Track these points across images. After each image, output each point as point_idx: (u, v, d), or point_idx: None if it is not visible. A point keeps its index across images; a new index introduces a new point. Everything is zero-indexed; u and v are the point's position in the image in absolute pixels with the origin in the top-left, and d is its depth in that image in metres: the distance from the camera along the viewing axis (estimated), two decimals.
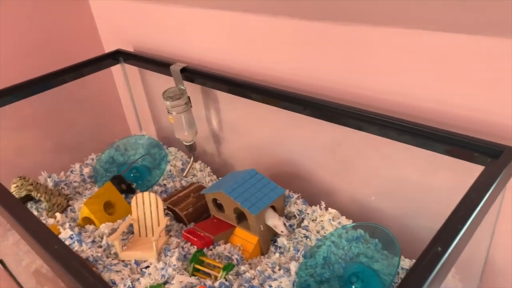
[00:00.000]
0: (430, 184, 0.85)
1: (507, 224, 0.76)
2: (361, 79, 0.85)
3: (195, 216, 1.07)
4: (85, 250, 0.93)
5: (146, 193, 1.00)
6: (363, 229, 0.87)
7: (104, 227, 0.99)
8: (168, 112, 1.11)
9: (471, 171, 0.78)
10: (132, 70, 1.36)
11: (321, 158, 1.01)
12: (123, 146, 1.28)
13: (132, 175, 1.23)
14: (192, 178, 1.19)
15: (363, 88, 0.85)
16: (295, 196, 0.98)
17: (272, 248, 0.93)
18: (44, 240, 0.60)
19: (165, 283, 0.84)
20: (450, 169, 0.81)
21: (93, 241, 0.97)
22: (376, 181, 0.94)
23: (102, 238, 0.98)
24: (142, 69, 1.31)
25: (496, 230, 0.76)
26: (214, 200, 1.00)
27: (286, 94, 0.93)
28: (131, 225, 1.00)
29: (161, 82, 1.26)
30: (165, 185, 1.18)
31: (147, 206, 1.00)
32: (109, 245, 0.95)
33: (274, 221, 0.91)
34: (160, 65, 1.16)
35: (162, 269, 0.86)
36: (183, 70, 1.09)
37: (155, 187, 1.17)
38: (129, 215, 1.05)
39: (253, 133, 1.13)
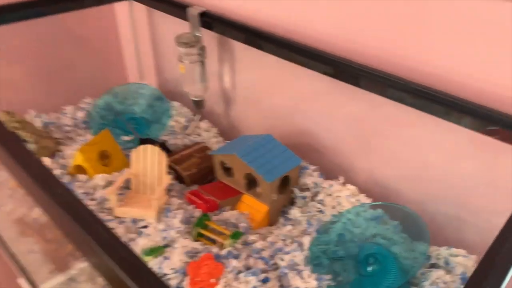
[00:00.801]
0: (452, 170, 0.80)
1: None
2: (405, 45, 0.77)
3: (198, 178, 0.99)
4: None
5: (149, 147, 0.91)
6: (383, 209, 0.81)
7: (99, 179, 0.90)
8: (180, 60, 1.01)
9: (496, 159, 0.73)
10: (139, 9, 1.24)
11: (340, 132, 0.93)
12: (122, 94, 1.17)
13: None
14: (196, 137, 1.11)
15: (405, 57, 0.77)
16: (312, 168, 0.91)
17: (281, 220, 0.87)
18: (47, 183, 0.51)
19: (166, 246, 0.77)
20: (474, 157, 0.76)
21: (85, 193, 0.88)
22: (397, 162, 0.88)
23: (95, 190, 0.89)
24: (152, 9, 1.19)
25: None
26: (222, 163, 0.92)
27: (309, 50, 0.85)
28: (128, 180, 0.91)
29: (171, 26, 1.15)
30: (166, 141, 1.09)
31: (149, 160, 0.91)
32: (103, 199, 0.87)
33: None
34: (174, 6, 1.04)
35: (164, 230, 0.78)
36: (202, 15, 0.98)
37: None
38: (125, 168, 0.96)
39: (269, 97, 1.05)
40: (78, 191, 0.87)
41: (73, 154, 0.98)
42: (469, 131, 0.70)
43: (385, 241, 0.78)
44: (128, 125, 1.11)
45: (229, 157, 0.89)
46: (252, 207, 0.88)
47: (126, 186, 0.92)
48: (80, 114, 1.13)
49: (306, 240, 0.77)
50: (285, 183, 0.88)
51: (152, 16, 1.24)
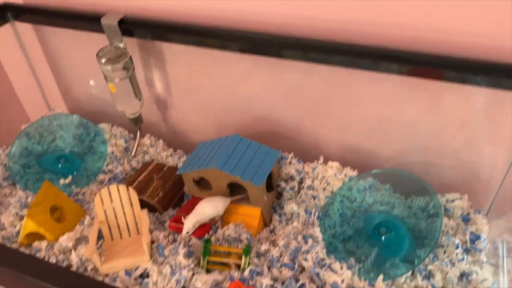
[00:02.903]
0: (404, 118, 0.84)
1: None
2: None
3: (168, 200, 0.90)
4: None
5: (112, 187, 0.79)
6: (372, 177, 0.83)
7: (65, 240, 0.77)
8: (107, 80, 0.87)
9: (441, 100, 0.79)
10: (22, 33, 1.04)
11: (291, 108, 0.92)
12: (36, 132, 0.99)
13: (60, 165, 0.97)
14: (143, 157, 0.99)
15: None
16: (289, 155, 0.88)
17: (276, 217, 0.84)
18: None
19: None
20: (415, 100, 0.81)
21: (56, 261, 0.74)
22: (355, 125, 0.90)
23: (65, 254, 0.76)
24: (42, 26, 1.00)
25: None
26: (194, 179, 0.85)
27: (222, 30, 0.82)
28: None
29: (66, 40, 0.99)
30: (111, 171, 0.96)
31: (116, 202, 0.80)
32: (82, 261, 0.74)
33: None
34: (75, 19, 0.89)
35: (173, 273, 0.70)
36: (121, 22, 0.86)
37: (100, 176, 0.95)
38: (85, 217, 0.83)
39: (207, 93, 0.97)
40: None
41: (13, 222, 0.82)
42: (399, 77, 0.75)
43: (384, 206, 0.81)
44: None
45: (205, 172, 0.82)
46: (244, 214, 0.83)
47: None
48: None
49: (317, 231, 0.76)
50: (269, 180, 0.85)
51: (42, 34, 1.05)
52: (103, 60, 0.84)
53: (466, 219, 0.77)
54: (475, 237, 0.73)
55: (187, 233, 0.76)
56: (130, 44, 0.92)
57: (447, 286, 0.67)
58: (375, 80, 0.80)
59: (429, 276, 0.69)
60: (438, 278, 0.68)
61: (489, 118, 0.78)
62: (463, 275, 0.69)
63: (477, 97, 0.76)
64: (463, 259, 0.70)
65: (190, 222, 0.76)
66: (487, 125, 0.79)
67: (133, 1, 0.88)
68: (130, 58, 0.88)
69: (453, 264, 0.70)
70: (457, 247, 0.71)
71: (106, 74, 0.87)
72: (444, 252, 0.72)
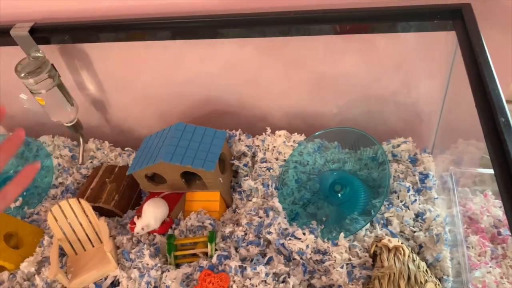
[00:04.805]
0: (343, 71, 0.84)
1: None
2: None
3: (125, 202, 0.89)
4: None
5: (62, 202, 0.77)
6: (319, 138, 0.84)
7: (26, 266, 0.75)
8: (33, 93, 0.83)
9: (373, 47, 0.80)
10: None
11: (228, 83, 0.91)
12: None
13: None
14: (91, 162, 0.97)
15: None
16: (237, 133, 0.88)
17: (236, 195, 0.84)
18: None
19: None
20: (354, 52, 0.81)
21: None
22: (295, 88, 0.90)
23: (28, 280, 0.74)
24: None
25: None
26: (146, 175, 0.84)
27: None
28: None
29: None
30: (62, 183, 0.93)
31: (71, 216, 0.78)
32: (49, 284, 0.73)
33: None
34: None
35: (142, 276, 0.70)
36: (33, 31, 0.81)
37: (52, 191, 0.92)
38: (43, 237, 0.81)
39: (141, 83, 0.95)
40: None
41: None
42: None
43: (336, 164, 0.82)
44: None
45: (155, 167, 0.80)
46: (203, 200, 0.83)
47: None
48: None
49: (276, 202, 0.77)
50: (222, 161, 0.84)
51: None
52: (23, 74, 0.80)
53: (413, 161, 0.79)
54: (424, 176, 0.77)
55: (137, 233, 0.76)
56: (50, 51, 0.87)
57: (404, 230, 0.71)
58: (309, 39, 0.79)
59: (386, 224, 0.72)
60: (395, 224, 0.71)
61: (420, 56, 0.80)
62: (418, 216, 0.72)
63: (406, 38, 0.77)
64: (415, 200, 0.73)
65: (138, 227, 0.76)
66: (419, 64, 0.81)
67: (41, 7, 0.82)
68: (53, 66, 0.84)
69: (407, 208, 0.73)
70: (408, 190, 0.74)
71: (30, 88, 0.82)
72: (398, 197, 0.75)
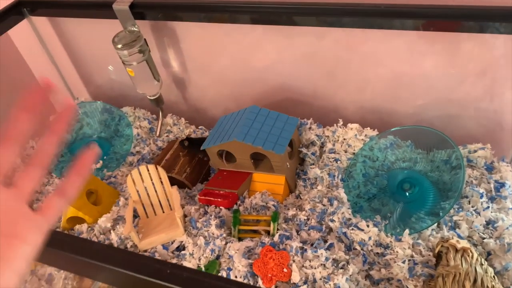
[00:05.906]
0: (420, 71, 0.83)
1: None
2: None
3: (195, 176, 0.94)
4: None
5: (142, 167, 0.83)
6: (392, 135, 0.84)
7: (104, 221, 0.81)
8: (125, 64, 0.90)
9: (458, 50, 0.78)
10: (41, 24, 1.06)
11: (306, 73, 0.92)
12: None
13: None
14: (167, 136, 1.03)
15: None
16: (309, 121, 0.89)
17: (300, 182, 0.86)
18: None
19: (218, 257, 0.73)
20: (432, 53, 0.80)
21: (98, 241, 0.79)
22: (371, 83, 0.90)
23: (105, 235, 0.81)
24: (57, 18, 1.03)
25: None
26: (218, 152, 0.88)
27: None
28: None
29: (78, 29, 1.02)
30: (139, 152, 1.00)
31: (146, 181, 0.83)
32: (122, 240, 0.79)
33: None
34: (88, 7, 0.91)
35: (207, 243, 0.74)
36: (132, 7, 0.87)
37: (129, 158, 0.99)
38: (119, 198, 0.88)
39: (222, 67, 0.99)
40: None
41: None
42: (414, 32, 0.74)
43: (406, 163, 0.82)
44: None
45: (227, 145, 0.84)
46: (269, 182, 0.85)
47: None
48: None
49: (342, 193, 0.78)
50: (290, 147, 0.87)
51: (59, 27, 1.08)
52: (119, 46, 0.87)
53: (490, 168, 0.77)
54: (500, 185, 0.74)
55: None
56: (143, 27, 0.94)
57: (473, 235, 0.69)
58: (389, 36, 0.80)
59: (454, 226, 0.70)
60: (463, 228, 0.69)
61: (508, 63, 0.77)
62: (489, 223, 0.70)
63: (495, 43, 0.75)
64: (488, 207, 0.71)
65: None
66: (506, 71, 0.78)
67: None
68: (145, 40, 0.90)
69: (478, 213, 0.71)
70: (481, 196, 0.72)
71: (123, 59, 0.89)
72: (469, 202, 0.73)
